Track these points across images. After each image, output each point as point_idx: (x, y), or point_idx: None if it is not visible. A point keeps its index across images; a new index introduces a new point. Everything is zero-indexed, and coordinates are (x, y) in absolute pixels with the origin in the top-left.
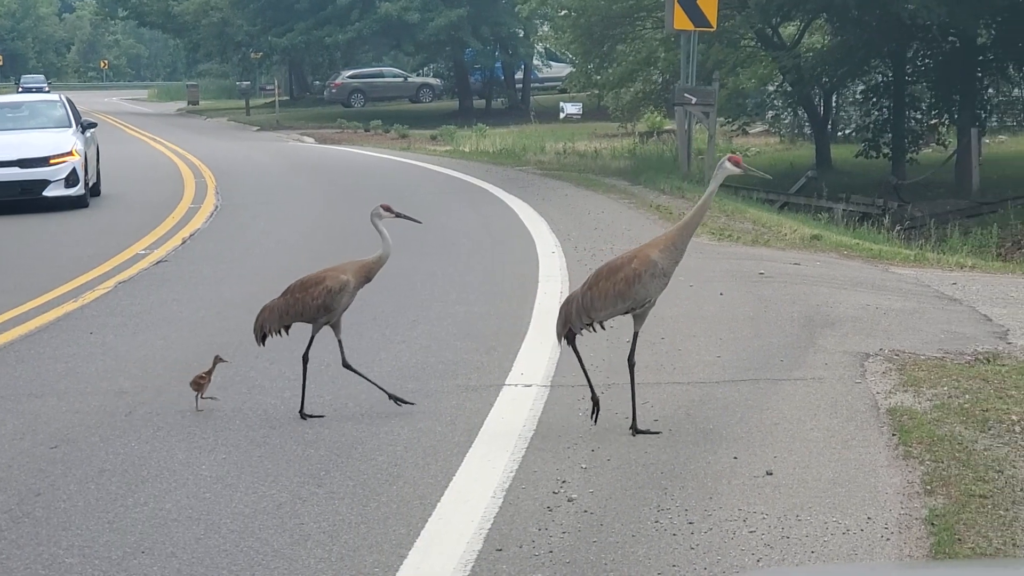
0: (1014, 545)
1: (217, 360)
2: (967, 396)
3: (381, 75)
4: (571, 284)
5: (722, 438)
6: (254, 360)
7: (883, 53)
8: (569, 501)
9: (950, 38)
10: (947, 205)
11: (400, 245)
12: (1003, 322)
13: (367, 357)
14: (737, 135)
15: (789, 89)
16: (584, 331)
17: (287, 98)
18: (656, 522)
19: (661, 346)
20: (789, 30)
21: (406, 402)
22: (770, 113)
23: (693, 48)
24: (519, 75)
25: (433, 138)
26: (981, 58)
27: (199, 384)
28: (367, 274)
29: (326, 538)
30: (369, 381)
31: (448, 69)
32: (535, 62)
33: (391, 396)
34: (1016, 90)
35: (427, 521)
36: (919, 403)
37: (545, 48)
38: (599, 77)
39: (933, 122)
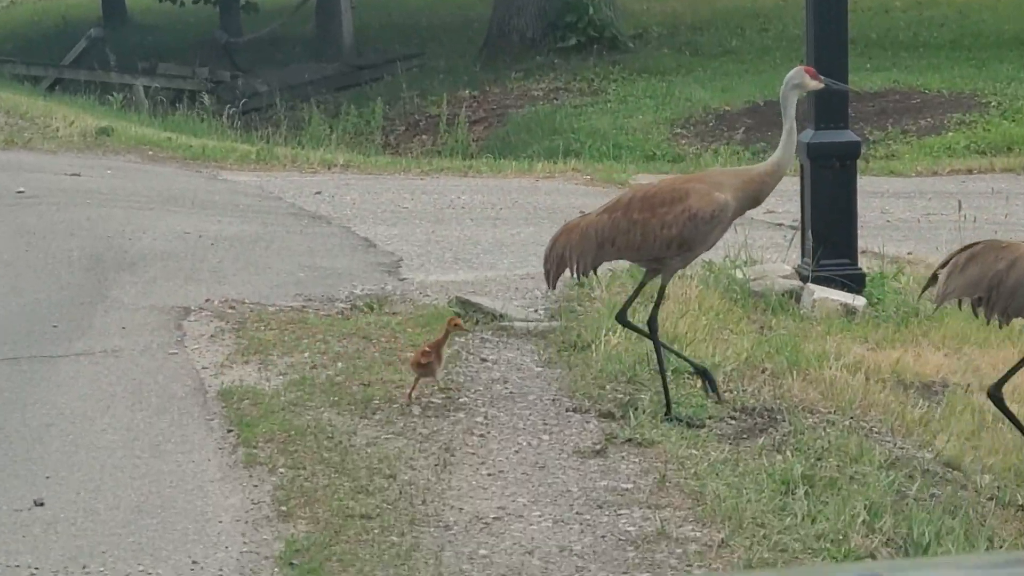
0: None
1: None
2: (341, 364)
3: None
4: None
5: None
6: None
7: None
8: None
9: None
10: (305, 73)
11: None
12: (393, 247)
13: None
14: None
15: None
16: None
17: None
18: None
19: None
20: None
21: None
22: None
23: None
24: None
25: None
26: None
27: None
28: (755, 194)
29: None
30: (676, 353)
31: None
32: None
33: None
34: None
35: None
36: (268, 380)
37: None
38: None
39: None
